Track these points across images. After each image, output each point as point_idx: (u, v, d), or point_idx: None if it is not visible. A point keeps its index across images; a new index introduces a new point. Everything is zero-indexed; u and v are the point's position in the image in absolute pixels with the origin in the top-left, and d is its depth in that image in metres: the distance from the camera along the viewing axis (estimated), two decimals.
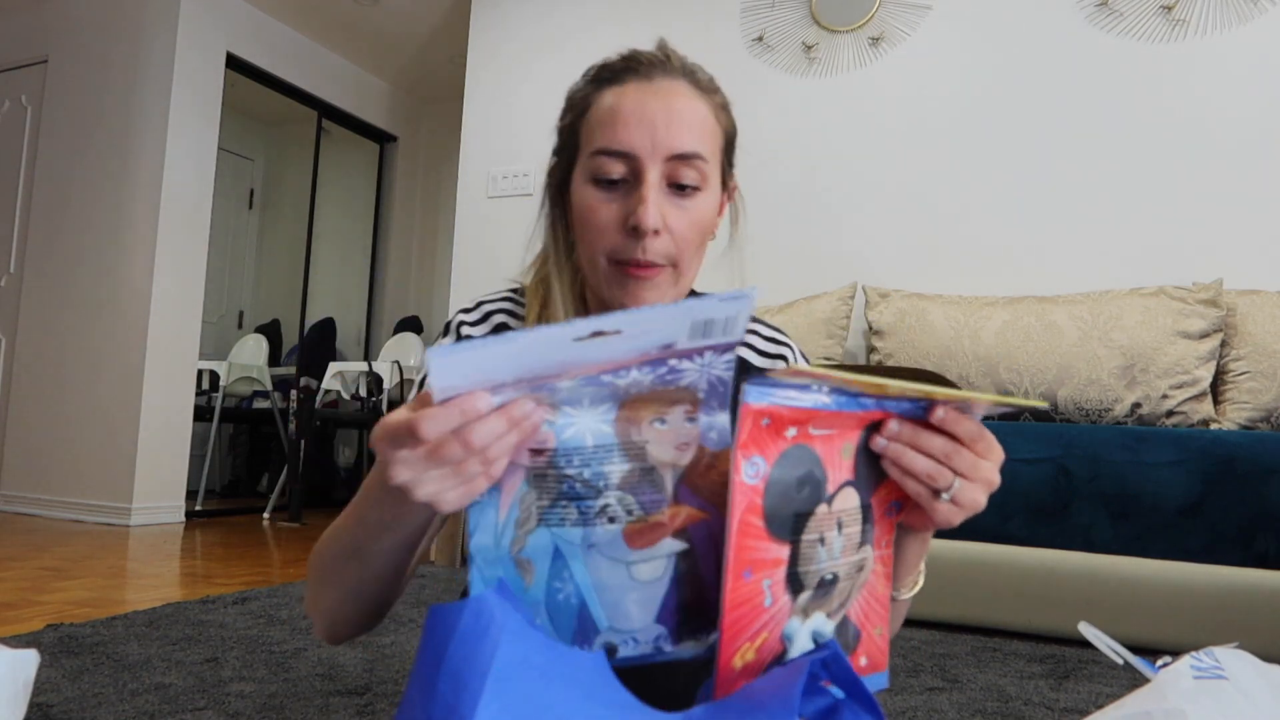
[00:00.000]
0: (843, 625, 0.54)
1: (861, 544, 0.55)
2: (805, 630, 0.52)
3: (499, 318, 0.85)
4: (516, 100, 3.41)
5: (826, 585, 0.53)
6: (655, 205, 0.71)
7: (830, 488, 0.52)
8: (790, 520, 0.50)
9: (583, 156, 0.76)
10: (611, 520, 0.51)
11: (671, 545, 0.51)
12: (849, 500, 0.54)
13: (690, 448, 0.51)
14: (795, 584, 0.51)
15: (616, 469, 0.51)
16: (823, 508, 0.52)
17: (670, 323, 0.47)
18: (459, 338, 0.82)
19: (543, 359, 0.47)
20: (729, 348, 0.49)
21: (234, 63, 3.89)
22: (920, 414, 0.54)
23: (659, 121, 0.72)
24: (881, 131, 2.87)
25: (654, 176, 0.72)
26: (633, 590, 0.51)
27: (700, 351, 0.49)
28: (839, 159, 2.92)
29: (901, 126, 2.85)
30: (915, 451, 0.55)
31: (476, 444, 0.47)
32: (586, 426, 0.51)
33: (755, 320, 0.89)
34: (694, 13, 3.14)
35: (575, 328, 0.45)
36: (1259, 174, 2.42)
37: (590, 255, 0.76)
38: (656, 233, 0.72)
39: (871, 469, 0.55)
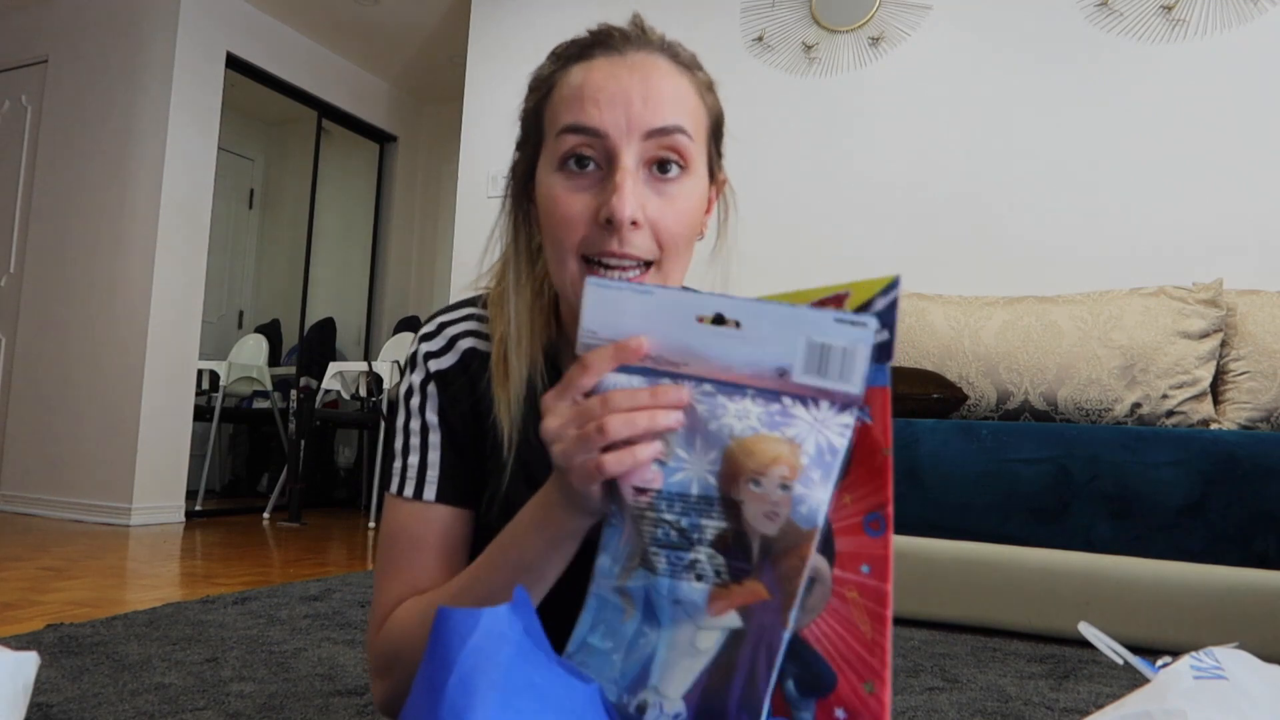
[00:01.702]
0: (805, 653, 0.47)
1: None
2: None
3: (466, 342, 0.76)
4: (516, 100, 3.40)
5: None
6: (632, 193, 0.62)
7: None
8: None
9: (548, 141, 0.67)
10: (699, 578, 0.48)
11: (731, 620, 0.47)
12: None
13: (778, 520, 0.47)
14: None
15: (713, 525, 0.48)
16: None
17: (785, 328, 0.46)
18: (428, 374, 0.75)
19: (669, 330, 0.49)
20: (848, 404, 0.46)
21: (234, 63, 3.89)
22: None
23: (634, 95, 0.63)
24: (881, 131, 2.87)
25: (630, 159, 0.63)
26: (687, 656, 0.48)
27: (816, 398, 0.46)
28: (838, 159, 2.92)
29: (901, 126, 2.85)
30: None
31: (612, 403, 0.49)
32: (694, 474, 0.49)
33: None
34: (694, 13, 3.14)
35: (701, 300, 0.48)
36: (1259, 174, 2.42)
37: (558, 254, 0.66)
38: (635, 224, 0.63)
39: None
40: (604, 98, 0.63)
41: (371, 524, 3.77)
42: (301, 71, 4.25)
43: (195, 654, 1.48)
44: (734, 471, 0.48)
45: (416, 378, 0.76)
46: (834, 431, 0.46)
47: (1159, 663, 0.66)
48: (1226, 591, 1.71)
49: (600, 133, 0.63)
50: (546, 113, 0.68)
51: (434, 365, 0.75)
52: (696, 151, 0.67)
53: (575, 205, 0.64)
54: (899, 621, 2.00)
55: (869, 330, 0.45)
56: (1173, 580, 1.75)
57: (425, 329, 0.77)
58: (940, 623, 1.97)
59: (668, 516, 0.49)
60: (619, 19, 0.71)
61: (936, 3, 2.84)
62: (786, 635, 0.45)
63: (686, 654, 0.48)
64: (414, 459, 0.74)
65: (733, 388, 0.48)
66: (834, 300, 0.47)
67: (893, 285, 0.45)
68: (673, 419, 0.49)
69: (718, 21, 3.11)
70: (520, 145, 0.73)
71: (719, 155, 0.73)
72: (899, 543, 1.98)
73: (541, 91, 0.70)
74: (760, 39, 3.05)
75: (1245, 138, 2.45)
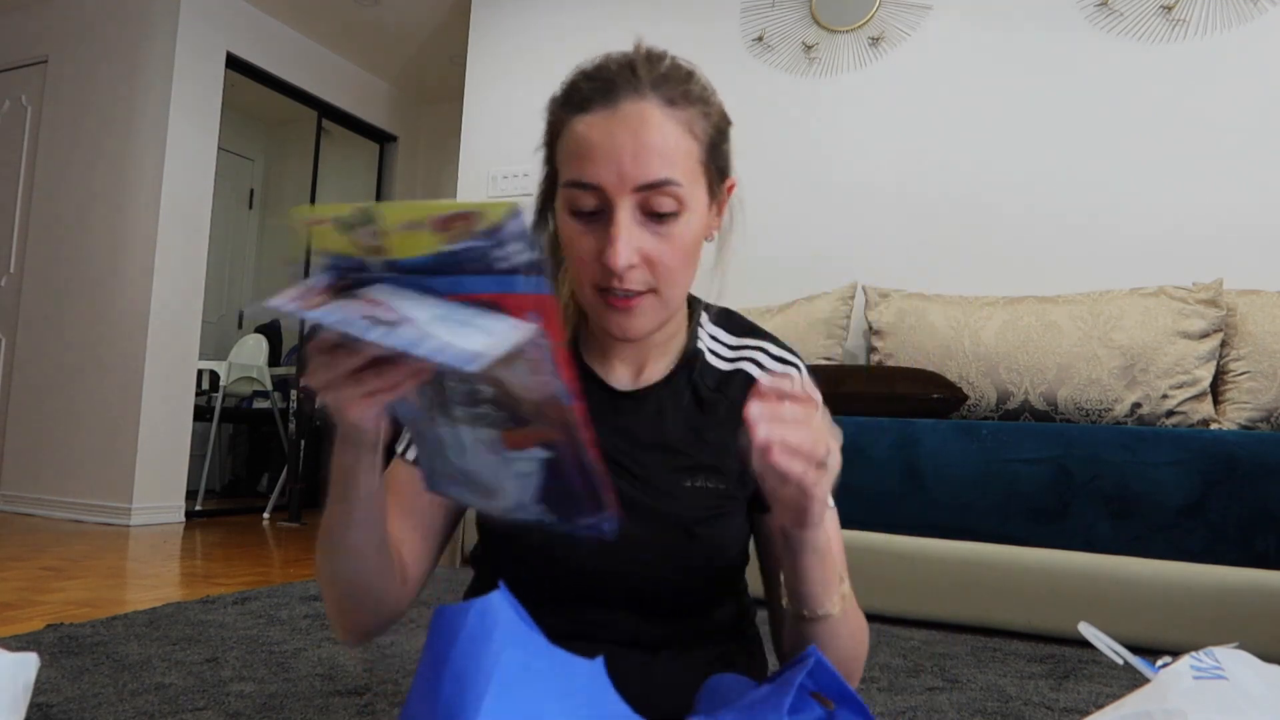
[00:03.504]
0: None
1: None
2: None
3: None
4: (516, 100, 3.41)
5: None
6: (626, 243, 0.70)
7: None
8: None
9: (560, 184, 0.75)
10: (491, 425, 0.59)
11: (539, 452, 0.59)
12: None
13: (533, 393, 0.55)
14: None
15: (487, 390, 0.56)
16: None
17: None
18: None
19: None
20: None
21: (234, 63, 3.89)
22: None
23: (625, 153, 0.70)
24: (881, 131, 2.87)
25: (624, 212, 0.71)
26: (511, 478, 0.62)
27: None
28: (838, 159, 2.92)
29: (901, 126, 2.85)
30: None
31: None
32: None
33: (766, 338, 0.88)
34: (694, 13, 3.14)
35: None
36: (1259, 174, 2.42)
37: (577, 283, 0.76)
38: (632, 266, 0.72)
39: None
40: (599, 155, 0.71)
41: None
42: (301, 71, 4.25)
43: (195, 654, 1.48)
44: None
45: None
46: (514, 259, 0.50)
47: (1159, 663, 0.66)
48: (1226, 591, 1.71)
49: (597, 187, 0.71)
50: (558, 155, 0.77)
51: None
52: (690, 189, 0.73)
53: (583, 245, 0.73)
54: (899, 621, 2.00)
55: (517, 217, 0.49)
56: (1173, 580, 1.75)
57: None
58: (940, 623, 1.97)
59: (449, 383, 0.57)
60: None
61: (936, 3, 2.84)
62: (588, 452, 0.57)
63: (508, 475, 0.62)
64: None
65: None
66: (462, 217, 0.49)
67: (518, 212, 0.49)
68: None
69: (718, 21, 3.11)
70: (543, 166, 0.81)
71: (721, 169, 0.78)
72: (899, 543, 1.98)
73: (553, 133, 0.78)
74: (760, 39, 3.05)
75: (1245, 138, 2.45)
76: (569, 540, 0.80)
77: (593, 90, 0.73)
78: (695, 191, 0.74)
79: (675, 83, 0.74)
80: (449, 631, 0.49)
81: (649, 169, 0.70)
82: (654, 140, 0.71)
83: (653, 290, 0.74)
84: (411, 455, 0.85)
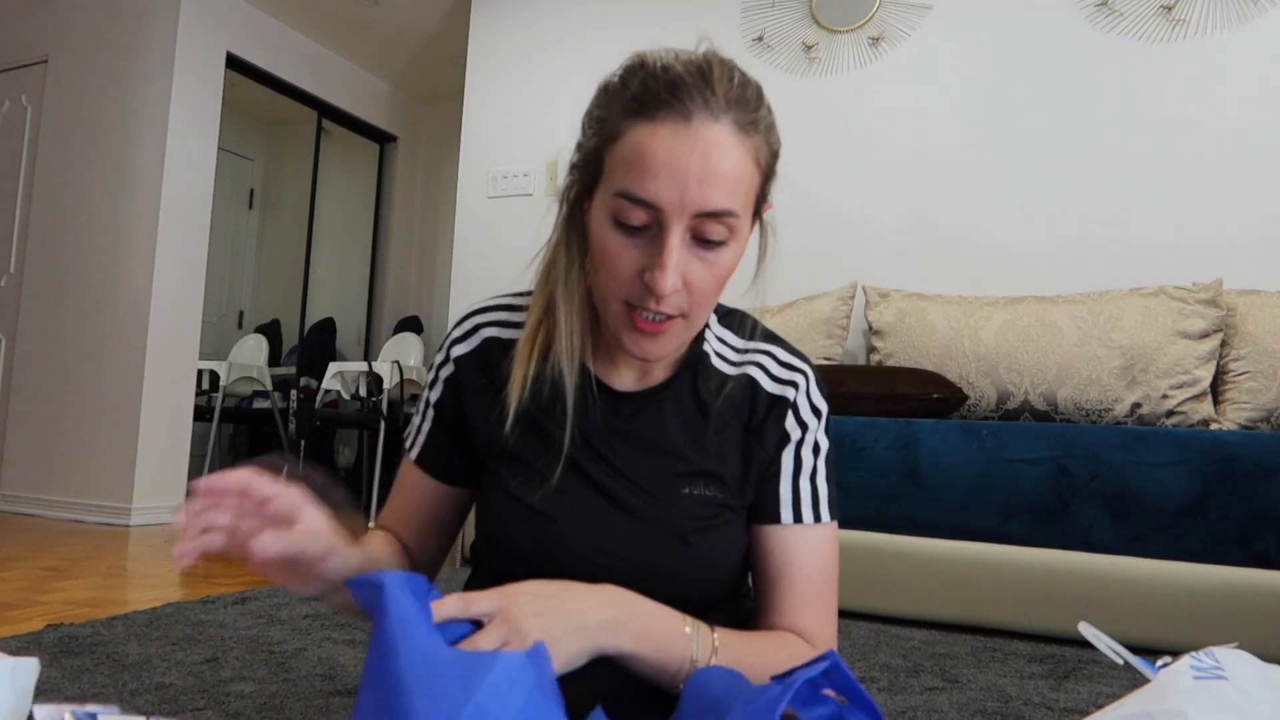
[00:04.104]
0: None
1: None
2: None
3: (488, 331, 0.85)
4: (516, 100, 3.41)
5: None
6: (674, 268, 0.68)
7: None
8: None
9: (604, 190, 0.71)
10: None
11: None
12: None
13: None
14: None
15: None
16: None
17: None
18: (447, 358, 0.87)
19: None
20: None
21: (234, 63, 3.89)
22: None
23: (691, 177, 0.66)
24: (881, 131, 2.87)
25: (676, 236, 0.68)
26: None
27: None
28: (839, 159, 2.92)
29: (901, 127, 2.85)
30: None
31: None
32: None
33: (776, 342, 0.86)
34: (694, 13, 3.14)
35: None
36: (1259, 174, 2.42)
37: (603, 293, 0.73)
38: (675, 291, 0.70)
39: None
40: (663, 173, 0.66)
41: (371, 524, 3.76)
42: (301, 71, 4.25)
43: (195, 654, 1.48)
44: None
45: (438, 360, 0.89)
46: None
47: (1159, 663, 0.66)
48: (1226, 591, 1.71)
49: (654, 206, 0.67)
50: (608, 158, 0.71)
51: (456, 351, 0.86)
52: (742, 218, 0.71)
53: (623, 260, 0.70)
54: (899, 621, 2.00)
55: None
56: (1173, 580, 1.75)
57: (458, 324, 0.88)
58: (940, 623, 1.97)
59: None
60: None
61: (936, 3, 2.84)
62: None
63: None
64: (415, 423, 0.92)
65: None
66: None
67: None
68: None
69: (718, 21, 3.11)
70: (578, 167, 0.76)
71: (765, 195, 0.76)
72: (900, 543, 1.98)
73: (606, 135, 0.71)
74: (760, 39, 3.05)
75: (1245, 137, 2.45)
76: (565, 542, 0.80)
77: (659, 96, 0.68)
78: (745, 220, 0.72)
79: (748, 107, 0.70)
80: (477, 670, 0.53)
81: (713, 198, 0.67)
82: (723, 168, 0.67)
83: (683, 315, 0.72)
84: (414, 456, 0.91)
